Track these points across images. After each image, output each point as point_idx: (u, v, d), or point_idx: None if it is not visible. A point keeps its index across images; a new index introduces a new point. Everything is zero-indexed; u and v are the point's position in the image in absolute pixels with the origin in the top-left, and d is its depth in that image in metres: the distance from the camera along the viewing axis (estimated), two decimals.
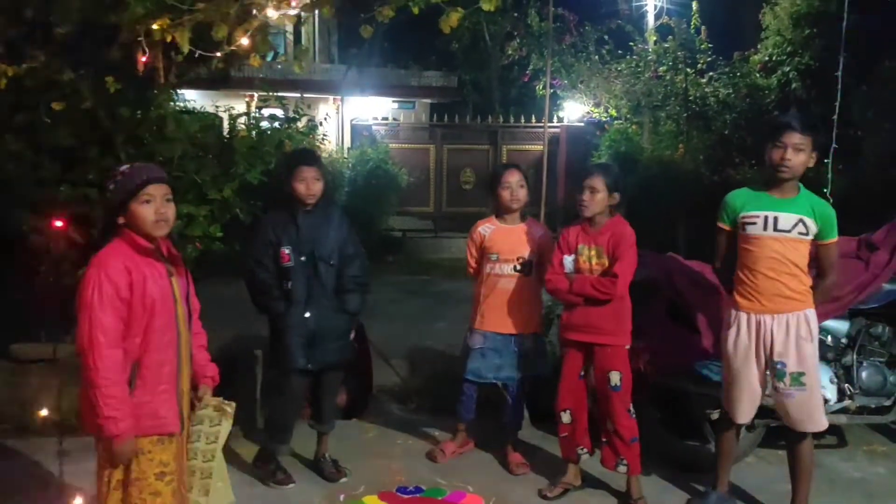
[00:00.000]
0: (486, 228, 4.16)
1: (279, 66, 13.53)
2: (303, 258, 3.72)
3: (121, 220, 2.54)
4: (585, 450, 3.79)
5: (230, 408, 2.77)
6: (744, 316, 3.38)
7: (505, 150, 14.85)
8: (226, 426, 2.74)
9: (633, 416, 3.64)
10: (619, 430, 3.60)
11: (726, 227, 3.48)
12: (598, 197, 3.64)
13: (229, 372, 4.52)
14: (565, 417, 3.77)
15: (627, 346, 3.67)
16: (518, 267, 4.04)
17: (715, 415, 3.78)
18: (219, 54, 4.21)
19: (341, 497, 3.72)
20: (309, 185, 3.71)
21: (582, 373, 3.74)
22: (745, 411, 3.45)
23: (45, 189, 4.35)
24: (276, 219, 3.81)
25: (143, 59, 4.64)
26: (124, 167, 2.61)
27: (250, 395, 4.64)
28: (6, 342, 4.49)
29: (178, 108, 5.74)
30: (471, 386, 4.13)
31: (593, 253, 3.67)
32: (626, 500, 3.68)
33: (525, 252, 4.05)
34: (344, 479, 3.90)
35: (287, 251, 3.70)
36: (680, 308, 4.10)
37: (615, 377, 3.60)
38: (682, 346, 4.00)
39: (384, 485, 3.85)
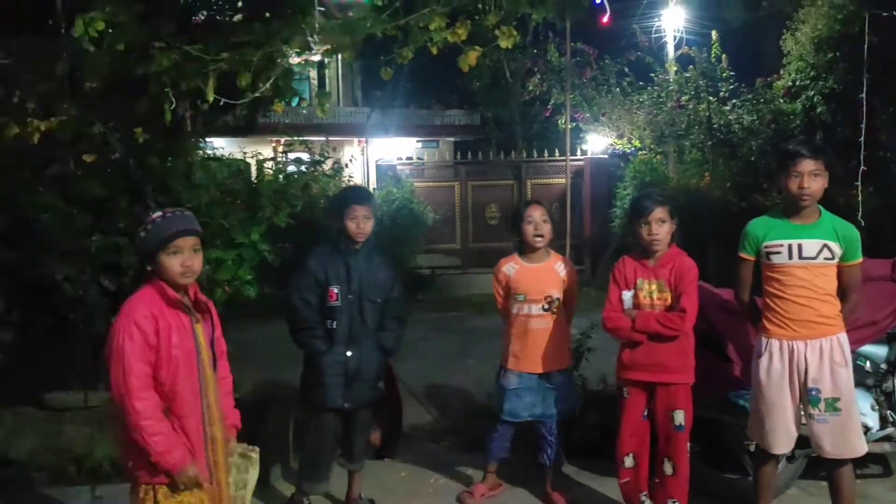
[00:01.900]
0: (511, 268, 4.08)
1: (304, 111, 13.77)
2: (350, 297, 3.71)
3: (149, 268, 2.60)
4: (646, 494, 3.63)
5: (255, 454, 2.77)
6: (776, 343, 3.32)
7: (529, 184, 14.89)
8: (253, 473, 2.75)
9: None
10: (680, 470, 3.50)
11: (749, 256, 3.43)
12: (666, 228, 3.52)
13: (261, 413, 4.54)
14: (628, 462, 3.62)
15: (692, 383, 3.55)
16: (546, 307, 3.97)
17: (752, 446, 3.68)
18: (243, 101, 4.29)
19: None
20: (360, 223, 3.72)
21: (645, 413, 3.60)
22: (782, 441, 3.36)
23: (77, 239, 4.44)
24: (323, 256, 3.78)
25: (171, 109, 4.77)
26: (157, 215, 2.65)
27: (283, 436, 4.63)
28: (40, 391, 4.55)
29: (205, 155, 5.86)
30: (506, 425, 4.07)
31: (654, 287, 3.53)
32: None
33: (552, 291, 3.98)
34: None
35: (336, 290, 3.69)
36: (711, 337, 4.03)
37: (680, 416, 3.49)
38: (715, 376, 3.92)
39: None
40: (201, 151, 5.59)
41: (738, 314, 3.88)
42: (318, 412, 3.82)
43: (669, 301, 3.49)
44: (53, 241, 4.38)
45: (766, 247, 3.33)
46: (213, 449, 2.67)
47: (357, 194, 3.94)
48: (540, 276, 4.00)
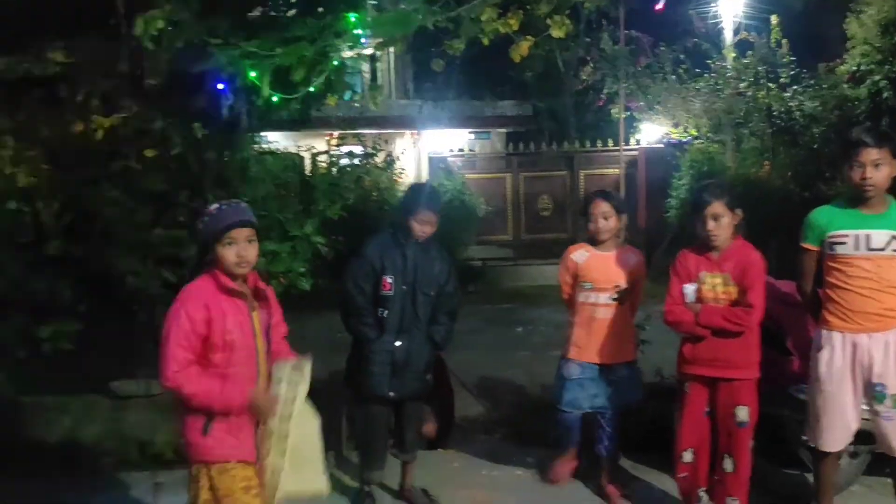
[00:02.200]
0: (580, 255, 4.01)
1: (356, 105, 13.88)
2: (404, 287, 3.72)
3: (208, 258, 2.70)
4: (705, 491, 3.54)
5: (307, 365, 2.76)
6: (837, 336, 3.23)
7: (582, 174, 14.75)
8: (303, 386, 2.72)
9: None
10: (740, 468, 3.40)
11: (813, 247, 3.33)
12: (723, 222, 3.37)
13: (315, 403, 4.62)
14: (687, 457, 3.52)
15: (756, 379, 3.44)
16: (615, 296, 3.92)
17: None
18: (297, 96, 4.35)
19: None
20: (424, 228, 3.74)
21: (707, 409, 3.49)
22: (837, 439, 3.28)
23: (139, 232, 4.57)
24: (381, 245, 3.80)
25: (228, 104, 4.88)
26: (213, 207, 2.74)
27: (337, 426, 4.70)
28: (106, 379, 4.71)
29: (260, 149, 5.97)
30: (571, 416, 4.03)
31: (718, 281, 3.40)
32: None
33: (621, 280, 3.90)
34: None
35: (389, 280, 3.70)
36: (771, 330, 3.93)
37: (743, 413, 3.38)
38: (775, 370, 3.83)
39: None
40: (257, 146, 5.68)
41: (799, 307, 3.78)
42: (364, 401, 3.87)
43: (734, 296, 3.38)
44: (117, 235, 4.52)
45: (830, 237, 3.24)
46: (262, 434, 2.72)
47: (430, 201, 3.83)
48: (610, 265, 3.93)
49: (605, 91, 13.33)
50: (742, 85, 11.56)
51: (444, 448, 4.86)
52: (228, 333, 2.65)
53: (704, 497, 3.54)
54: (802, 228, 3.37)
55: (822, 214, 3.32)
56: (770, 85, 11.23)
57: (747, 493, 3.45)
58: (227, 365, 2.66)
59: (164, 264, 4.51)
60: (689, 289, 3.44)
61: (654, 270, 13.75)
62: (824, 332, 3.28)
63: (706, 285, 3.41)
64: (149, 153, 4.64)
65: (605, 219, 3.91)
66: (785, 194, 10.14)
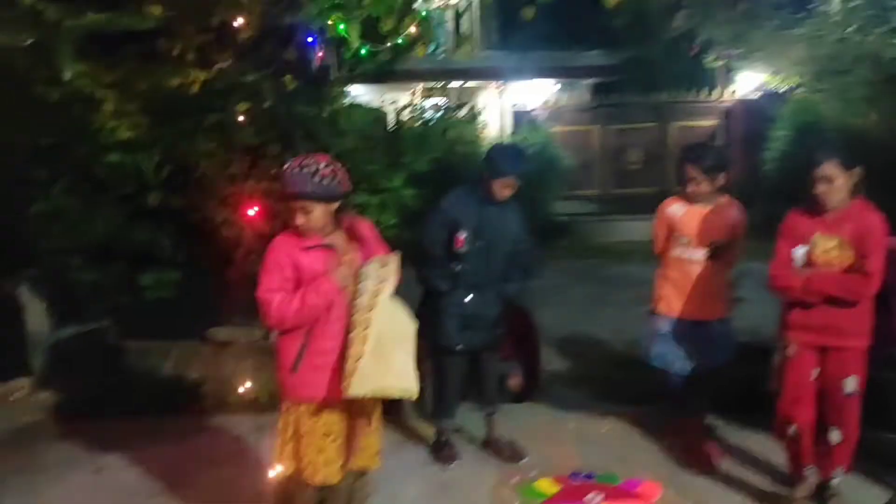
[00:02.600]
0: (677, 209, 3.88)
1: (441, 57, 13.77)
2: (479, 243, 3.70)
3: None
4: (814, 469, 3.39)
5: (393, 261, 2.80)
6: None
7: (673, 126, 14.26)
8: (391, 280, 2.76)
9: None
10: (848, 438, 3.26)
11: None
12: (837, 185, 3.14)
13: None
14: (792, 430, 3.35)
15: (867, 346, 3.24)
16: (710, 251, 3.78)
17: None
18: (386, 47, 4.32)
19: (514, 480, 3.72)
20: (505, 192, 3.71)
21: (813, 377, 3.31)
22: None
23: (234, 184, 4.68)
24: (459, 201, 3.78)
25: (318, 55, 4.89)
26: (286, 168, 2.77)
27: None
28: (205, 327, 4.90)
29: (348, 103, 5.99)
30: (676, 376, 3.91)
31: (833, 244, 3.16)
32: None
33: (718, 236, 3.76)
34: (525, 460, 3.92)
35: (465, 235, 3.68)
36: (883, 291, 3.72)
37: (852, 383, 3.22)
38: (881, 332, 3.62)
39: (557, 469, 3.82)
40: (345, 99, 5.70)
41: None
42: (436, 352, 3.89)
43: (849, 261, 3.15)
44: (212, 187, 4.64)
45: None
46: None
47: (514, 164, 3.74)
48: (707, 220, 3.79)
49: (699, 38, 12.70)
50: (848, 30, 10.83)
51: (530, 402, 4.87)
52: (316, 275, 2.74)
53: (811, 474, 3.40)
54: None
55: None
56: (877, 30, 10.48)
57: (852, 459, 3.32)
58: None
59: (257, 215, 4.60)
60: (799, 252, 3.22)
61: (750, 226, 13.28)
62: None
63: (818, 248, 3.19)
64: (241, 107, 4.71)
65: (697, 184, 3.76)
66: (892, 147, 9.54)
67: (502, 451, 4.00)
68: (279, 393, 2.88)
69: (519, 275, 3.88)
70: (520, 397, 4.99)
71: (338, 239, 2.83)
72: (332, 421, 2.82)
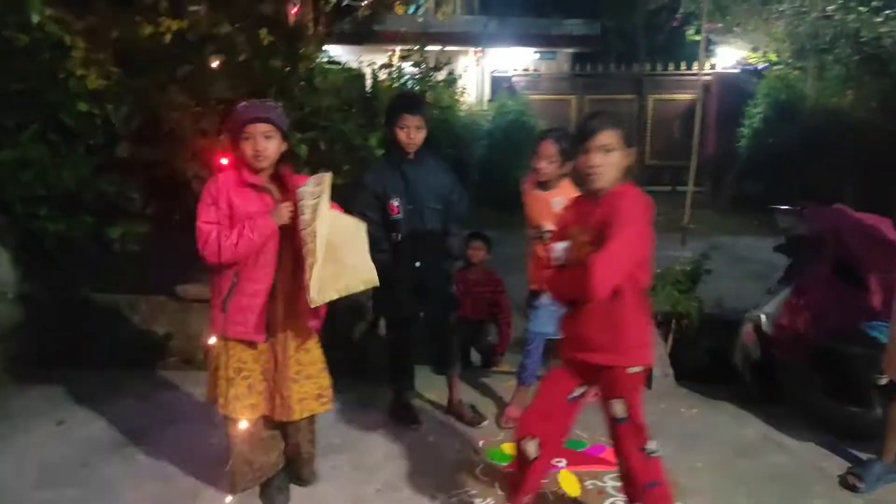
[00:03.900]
0: (527, 188, 3.88)
1: (420, 20, 13.56)
2: (410, 206, 3.68)
3: (236, 152, 2.87)
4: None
5: (326, 177, 2.87)
6: None
7: (651, 99, 14.28)
8: (326, 192, 2.82)
9: (654, 455, 2.65)
10: (630, 472, 2.67)
11: None
12: (612, 158, 2.58)
13: (356, 319, 4.69)
14: (530, 448, 2.71)
15: (637, 370, 2.64)
16: (536, 236, 3.68)
17: (884, 380, 3.48)
18: (364, 3, 4.23)
19: (481, 443, 3.75)
20: (410, 133, 3.64)
21: (571, 395, 2.76)
22: None
23: (206, 138, 4.58)
24: (380, 170, 3.76)
25: (294, 10, 4.78)
26: (240, 105, 2.88)
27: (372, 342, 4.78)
28: (173, 282, 4.83)
29: (325, 61, 5.88)
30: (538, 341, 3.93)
31: (586, 238, 2.58)
32: None
33: (545, 222, 3.58)
34: (485, 423, 3.94)
35: (396, 203, 3.65)
36: (847, 264, 3.78)
37: (619, 407, 2.64)
38: (848, 306, 3.70)
39: None
40: (321, 56, 5.59)
41: (883, 241, 3.62)
42: (395, 324, 3.92)
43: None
44: (184, 140, 4.54)
45: None
46: (273, 322, 2.90)
47: (407, 103, 3.77)
48: (540, 205, 3.72)
49: (681, 11, 12.68)
50: (830, 7, 10.86)
51: (498, 369, 4.90)
52: (251, 217, 2.82)
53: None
54: None
55: None
56: (861, 9, 10.53)
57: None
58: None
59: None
60: (559, 247, 2.68)
61: (721, 201, 13.41)
62: None
63: (577, 243, 2.64)
64: (215, 59, 4.60)
65: (550, 162, 3.68)
66: (868, 126, 9.65)
67: (463, 414, 4.01)
68: (210, 327, 2.98)
69: (456, 227, 3.86)
70: (488, 363, 5.03)
71: (273, 187, 2.90)
72: (247, 359, 2.93)
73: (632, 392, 2.64)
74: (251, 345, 2.92)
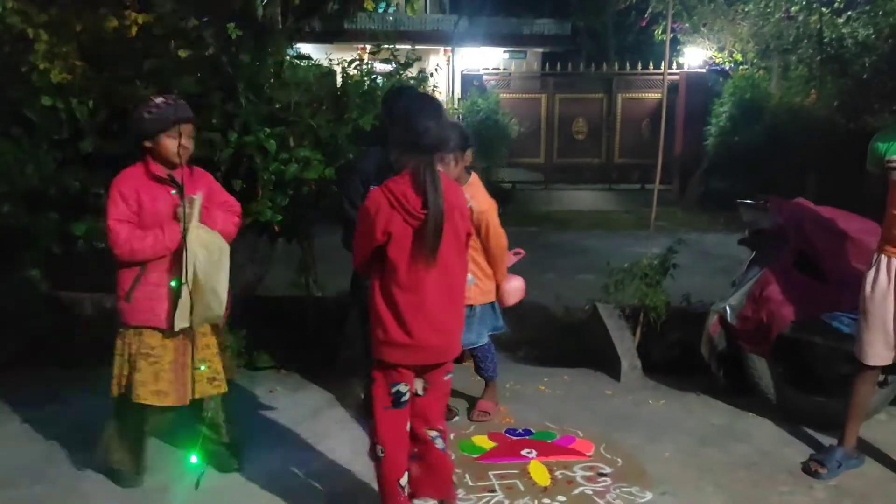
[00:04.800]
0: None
1: (390, 18, 13.55)
2: None
3: (147, 145, 2.98)
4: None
5: (198, 200, 3.01)
6: (884, 259, 3.22)
7: (620, 98, 14.41)
8: (195, 218, 2.98)
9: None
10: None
11: (874, 171, 3.29)
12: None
13: (343, 312, 4.67)
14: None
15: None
16: None
17: (845, 368, 3.57)
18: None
19: (451, 436, 3.75)
20: None
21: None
22: (878, 354, 3.27)
23: None
24: (370, 159, 3.73)
25: (262, 5, 4.74)
26: (160, 100, 3.01)
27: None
28: None
29: (294, 55, 5.83)
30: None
31: None
32: None
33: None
34: (456, 418, 3.96)
35: None
36: (809, 256, 3.86)
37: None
38: (810, 298, 3.78)
39: (494, 426, 3.88)
40: (290, 51, 5.55)
41: (843, 234, 3.70)
42: (367, 314, 3.88)
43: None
44: None
45: (888, 162, 3.20)
46: (181, 312, 2.98)
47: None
48: None
49: (649, 11, 12.83)
50: (794, 9, 11.07)
51: (466, 361, 4.91)
52: (157, 216, 2.96)
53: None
54: (868, 152, 3.31)
55: (882, 139, 3.27)
56: (823, 10, 10.75)
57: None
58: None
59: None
60: None
61: (688, 200, 13.58)
62: (876, 254, 3.26)
63: None
64: (182, 53, 4.55)
65: (446, 165, 3.39)
66: (830, 125, 9.86)
67: None
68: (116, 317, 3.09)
69: None
70: (459, 358, 5.04)
71: (176, 179, 3.02)
72: (155, 345, 3.02)
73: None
74: (159, 332, 3.02)
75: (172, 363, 3.05)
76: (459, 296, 2.69)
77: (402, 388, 2.61)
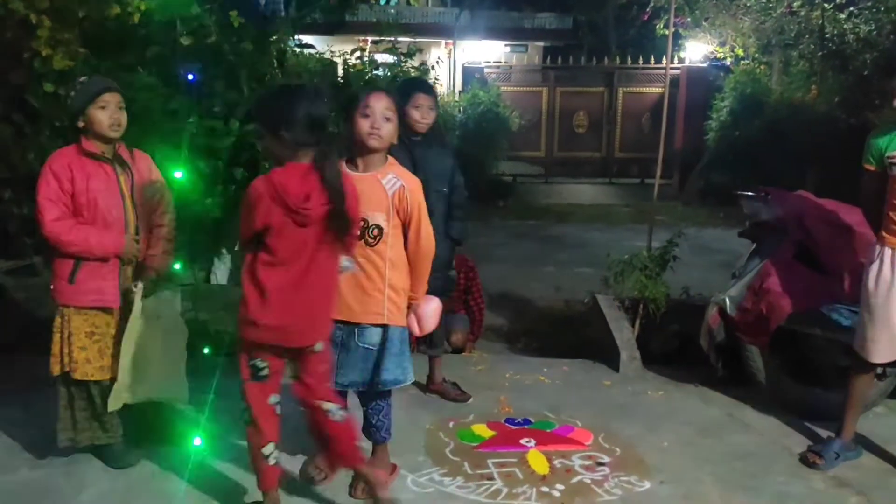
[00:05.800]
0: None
1: (392, 11, 13.53)
2: None
3: (80, 124, 2.98)
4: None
5: (140, 286, 3.05)
6: (888, 252, 3.20)
7: (621, 92, 14.40)
8: (137, 303, 3.03)
9: None
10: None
11: (872, 167, 3.28)
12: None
13: None
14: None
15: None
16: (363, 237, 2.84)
17: (843, 361, 3.58)
18: None
19: (451, 424, 3.78)
20: (424, 113, 3.66)
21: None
22: (883, 351, 3.25)
23: (175, 120, 4.54)
24: (392, 147, 3.77)
25: None
26: (83, 78, 3.05)
27: None
28: None
29: (295, 45, 5.83)
30: None
31: None
32: None
33: (374, 213, 2.84)
34: (471, 400, 4.00)
35: None
36: (809, 248, 3.87)
37: None
38: (809, 290, 3.79)
39: (493, 415, 3.89)
40: (292, 40, 5.56)
41: (841, 227, 3.71)
42: None
43: None
44: (152, 122, 4.48)
45: (888, 157, 3.19)
46: (125, 281, 3.05)
47: (423, 83, 3.88)
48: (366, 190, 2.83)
49: (651, 5, 12.81)
50: (795, 4, 11.07)
51: (470, 354, 4.94)
52: (92, 192, 2.95)
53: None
54: (864, 149, 3.30)
55: (881, 135, 3.26)
56: (825, 5, 10.74)
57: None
58: (94, 221, 2.98)
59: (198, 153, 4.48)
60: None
61: (687, 194, 13.59)
62: (878, 247, 3.26)
63: None
64: (185, 40, 4.55)
65: (388, 120, 2.89)
66: (830, 120, 9.86)
67: (448, 392, 4.05)
68: (53, 298, 3.06)
69: (460, 213, 3.88)
70: (459, 348, 5.06)
71: (110, 155, 3.03)
72: (100, 324, 3.04)
73: None
74: (105, 311, 3.04)
75: (115, 336, 3.07)
76: (330, 284, 2.72)
77: (259, 363, 2.68)
